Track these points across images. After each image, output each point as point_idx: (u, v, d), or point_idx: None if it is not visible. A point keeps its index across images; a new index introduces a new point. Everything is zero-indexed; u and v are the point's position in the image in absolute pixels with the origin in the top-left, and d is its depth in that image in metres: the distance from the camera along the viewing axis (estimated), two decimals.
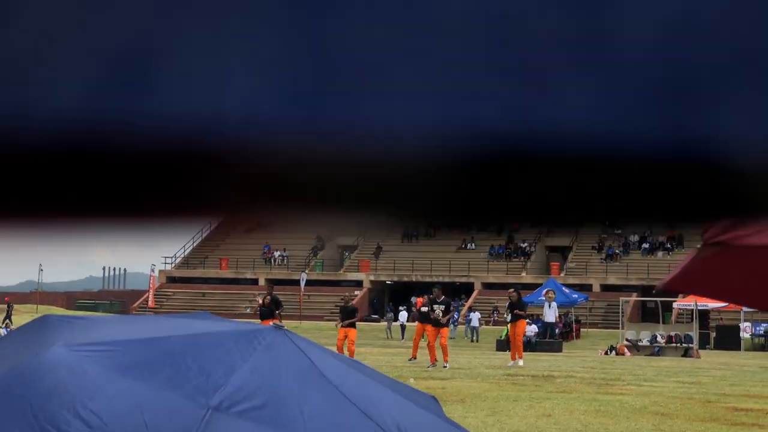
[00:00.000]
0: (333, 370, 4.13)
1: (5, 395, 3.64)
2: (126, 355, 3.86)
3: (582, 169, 0.65)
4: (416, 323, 26.06)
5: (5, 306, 52.27)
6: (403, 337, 51.21)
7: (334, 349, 24.69)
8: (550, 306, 40.06)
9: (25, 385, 3.66)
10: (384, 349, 36.71)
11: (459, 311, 56.46)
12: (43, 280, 67.67)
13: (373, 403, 4.06)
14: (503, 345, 37.85)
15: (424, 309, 24.84)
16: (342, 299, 27.39)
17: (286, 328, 4.19)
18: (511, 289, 31.59)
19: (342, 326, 25.22)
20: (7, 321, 48.97)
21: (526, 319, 27.26)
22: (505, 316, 52.44)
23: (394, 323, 54.52)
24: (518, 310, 26.19)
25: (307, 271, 64.01)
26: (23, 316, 59.09)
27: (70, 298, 75.40)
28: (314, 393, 3.91)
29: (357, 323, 26.05)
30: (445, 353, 23.77)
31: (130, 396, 3.69)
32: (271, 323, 4.23)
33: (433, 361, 23.94)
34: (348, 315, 25.38)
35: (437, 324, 23.96)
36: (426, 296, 26.59)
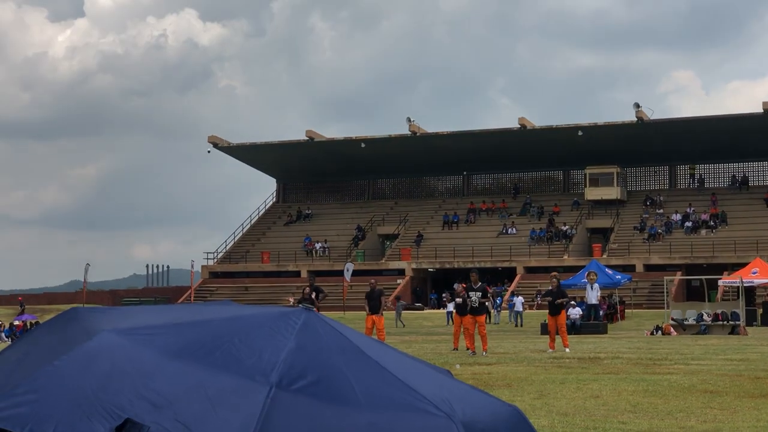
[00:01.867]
0: (369, 346, 4.19)
1: (62, 381, 3.68)
2: (173, 338, 3.90)
3: None
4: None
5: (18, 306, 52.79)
6: (448, 323, 51.28)
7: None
8: (592, 288, 39.87)
9: (81, 370, 3.70)
10: (427, 337, 36.74)
11: (502, 296, 56.36)
12: (89, 280, 68.24)
13: (414, 376, 4.10)
14: (547, 328, 37.78)
15: (459, 300, 24.75)
16: (369, 285, 27.27)
17: (313, 309, 4.22)
18: (554, 273, 31.39)
19: (369, 314, 25.27)
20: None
21: (566, 308, 26.91)
22: (539, 300, 52.60)
23: (439, 310, 54.46)
24: (559, 299, 25.84)
25: (351, 262, 64.10)
26: None
27: (115, 296, 76.09)
28: (359, 368, 3.95)
29: (403, 312, 26.05)
30: (484, 342, 23.68)
31: (189, 375, 3.73)
32: (300, 305, 4.26)
33: (473, 349, 23.93)
34: (373, 301, 25.48)
35: (474, 312, 23.89)
36: (467, 284, 26.52)
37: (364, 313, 26.73)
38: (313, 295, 26.90)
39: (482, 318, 24.25)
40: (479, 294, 24.05)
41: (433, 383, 4.10)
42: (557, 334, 25.47)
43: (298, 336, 3.93)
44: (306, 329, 3.98)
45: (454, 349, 25.26)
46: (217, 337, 3.92)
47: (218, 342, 3.88)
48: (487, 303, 24.28)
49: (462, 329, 24.67)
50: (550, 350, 24.52)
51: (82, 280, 67.55)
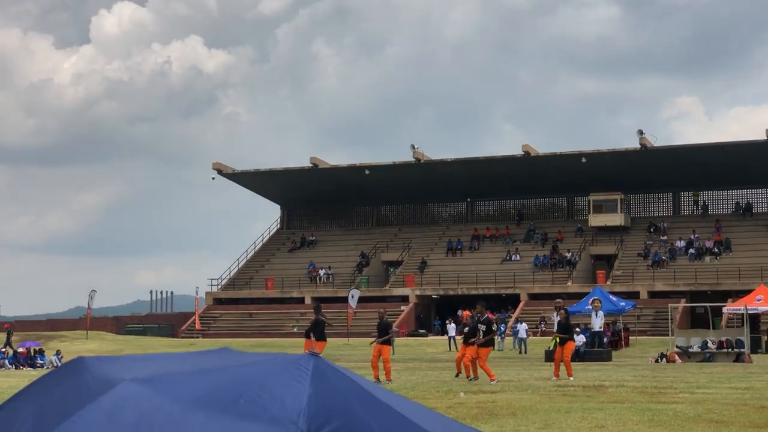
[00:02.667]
0: (378, 391, 4.22)
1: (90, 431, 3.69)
2: (194, 386, 3.91)
3: None
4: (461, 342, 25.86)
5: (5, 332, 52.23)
6: (450, 349, 51.19)
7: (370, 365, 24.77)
8: (596, 315, 39.81)
9: (107, 421, 3.70)
10: (431, 364, 36.68)
11: (506, 323, 56.27)
12: (92, 306, 68.16)
13: (424, 420, 4.14)
14: (552, 356, 37.70)
15: (467, 330, 24.73)
16: (378, 315, 27.20)
17: (321, 355, 4.24)
18: (558, 300, 31.29)
19: (377, 343, 25.17)
20: (7, 347, 48.81)
21: (572, 339, 26.82)
22: (543, 327, 52.55)
23: (442, 337, 54.20)
24: (566, 333, 25.76)
25: (356, 289, 64.06)
26: (74, 342, 59.71)
27: (119, 322, 75.95)
28: (375, 413, 3.98)
29: (402, 338, 25.96)
30: (488, 373, 23.60)
31: (218, 424, 3.73)
32: (306, 351, 4.30)
33: (476, 375, 23.98)
34: (382, 331, 25.32)
35: (480, 344, 23.91)
36: (471, 311, 26.48)
37: (369, 339, 26.65)
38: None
39: (483, 351, 24.15)
40: (483, 327, 24.04)
41: (441, 425, 4.14)
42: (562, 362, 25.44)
43: (313, 382, 3.95)
44: (318, 375, 4.01)
45: (458, 374, 25.26)
46: (237, 384, 3.93)
47: (240, 389, 3.89)
48: (483, 339, 24.20)
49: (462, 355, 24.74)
50: (554, 378, 24.48)
51: (86, 307, 67.48)
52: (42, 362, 45.54)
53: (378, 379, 24.22)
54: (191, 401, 3.81)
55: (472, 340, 24.23)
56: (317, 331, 25.71)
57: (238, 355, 4.49)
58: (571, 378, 24.33)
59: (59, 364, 45.02)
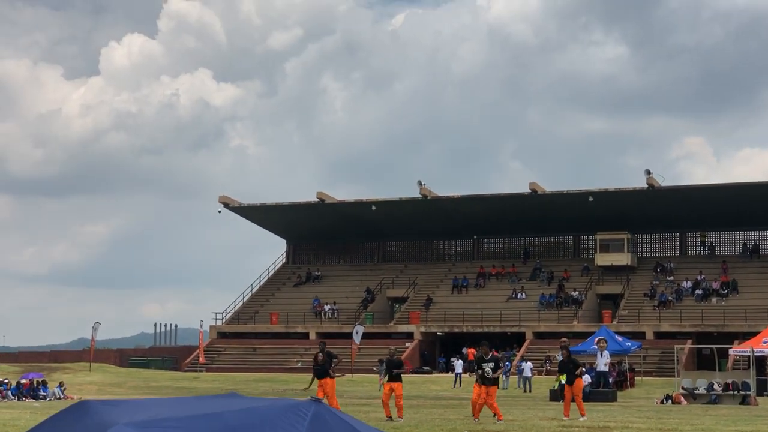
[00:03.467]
0: None
1: None
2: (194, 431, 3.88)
3: None
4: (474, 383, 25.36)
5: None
6: (455, 386, 50.96)
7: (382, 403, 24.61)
8: (602, 354, 39.64)
9: None
10: (436, 401, 36.48)
11: (511, 361, 56.03)
12: (96, 337, 68.05)
13: None
14: (557, 395, 37.49)
15: (480, 371, 24.48)
16: (388, 352, 26.98)
17: (323, 401, 4.21)
18: (563, 339, 31.13)
19: (388, 381, 24.93)
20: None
21: (581, 376, 26.61)
22: (548, 366, 52.41)
23: (447, 374, 53.90)
24: (570, 371, 25.72)
25: (360, 324, 63.93)
26: (77, 374, 59.57)
27: (123, 355, 75.79)
28: None
29: (407, 375, 25.70)
30: (496, 413, 23.31)
31: None
32: (309, 397, 4.27)
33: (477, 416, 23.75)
34: (393, 368, 24.99)
35: (487, 383, 23.60)
36: (477, 350, 26.25)
37: (373, 375, 26.56)
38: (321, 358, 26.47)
39: (493, 389, 23.87)
40: (491, 365, 23.75)
41: None
42: (572, 401, 25.30)
43: (310, 428, 3.92)
44: (318, 420, 3.98)
45: (476, 419, 24.71)
46: (240, 428, 3.90)
47: None
48: (494, 375, 23.89)
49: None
50: (565, 418, 24.30)
51: (90, 338, 67.37)
52: (45, 394, 45.37)
53: (390, 417, 24.04)
54: None
55: (493, 375, 23.74)
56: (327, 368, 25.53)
57: (241, 400, 4.45)
58: (583, 417, 24.11)
59: (62, 396, 44.88)
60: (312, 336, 69.03)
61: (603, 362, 39.66)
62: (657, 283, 69.42)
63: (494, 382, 23.98)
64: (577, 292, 68.75)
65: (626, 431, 20.35)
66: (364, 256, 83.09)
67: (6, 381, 47.27)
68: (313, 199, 78.11)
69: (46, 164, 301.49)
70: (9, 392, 45.22)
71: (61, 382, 47.95)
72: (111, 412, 4.13)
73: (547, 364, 56.44)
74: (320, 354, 25.94)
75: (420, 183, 73.99)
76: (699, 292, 67.01)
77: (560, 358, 28.57)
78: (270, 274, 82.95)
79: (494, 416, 23.33)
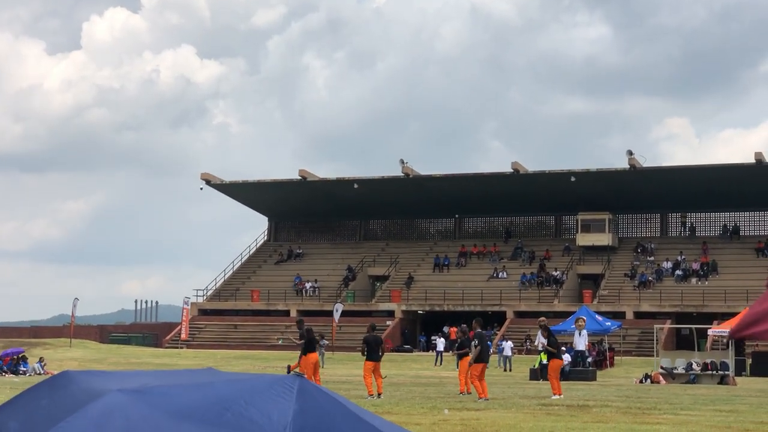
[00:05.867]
0: (359, 409, 4.25)
1: None
2: (182, 399, 3.89)
3: None
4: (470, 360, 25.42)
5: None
6: (436, 364, 51.11)
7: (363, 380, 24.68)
8: (580, 334, 39.80)
9: (95, 428, 3.67)
10: (416, 379, 36.59)
11: (491, 340, 56.21)
12: (76, 314, 67.86)
13: None
14: (536, 374, 37.67)
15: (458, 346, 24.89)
16: (369, 328, 26.99)
17: (304, 376, 4.23)
18: (542, 319, 31.20)
19: (374, 361, 24.96)
20: None
21: (558, 357, 26.64)
22: (528, 345, 52.71)
23: (428, 352, 54.04)
24: (549, 347, 25.94)
25: (340, 303, 63.99)
26: (58, 350, 59.43)
27: (103, 331, 75.69)
28: (357, 430, 3.97)
29: (387, 354, 25.87)
30: (479, 390, 23.66)
31: None
32: (292, 372, 4.32)
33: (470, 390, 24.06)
34: (373, 346, 25.13)
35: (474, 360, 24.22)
36: (460, 328, 26.42)
37: (353, 353, 26.67)
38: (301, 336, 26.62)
39: (477, 366, 24.18)
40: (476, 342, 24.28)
41: None
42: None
43: (298, 400, 3.94)
44: (303, 394, 4.00)
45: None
46: (224, 399, 3.92)
47: (226, 404, 3.88)
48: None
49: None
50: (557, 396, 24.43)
51: (70, 315, 67.21)
52: (25, 369, 45.24)
53: (373, 395, 24.12)
54: (178, 413, 3.80)
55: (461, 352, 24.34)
56: (311, 345, 25.73)
57: (223, 374, 4.46)
58: (555, 396, 24.25)
59: (42, 372, 44.79)
60: (293, 313, 69.04)
61: (582, 342, 39.82)
62: (637, 263, 69.70)
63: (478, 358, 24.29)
64: (558, 272, 68.97)
65: (605, 409, 20.46)
66: (345, 234, 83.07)
67: None
68: (295, 176, 77.96)
69: (26, 140, 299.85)
70: None
71: (41, 358, 47.83)
72: (96, 381, 4.12)
73: (528, 344, 56.64)
74: (298, 337, 26.54)
75: (402, 161, 73.95)
76: (679, 272, 67.33)
77: (540, 338, 28.74)
78: (251, 252, 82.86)
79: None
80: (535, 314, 59.06)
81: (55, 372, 43.95)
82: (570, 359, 39.81)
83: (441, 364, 50.86)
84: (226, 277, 78.73)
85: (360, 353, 26.12)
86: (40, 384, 4.44)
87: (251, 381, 4.15)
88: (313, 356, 25.52)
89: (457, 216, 79.61)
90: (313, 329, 28.20)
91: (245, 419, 3.83)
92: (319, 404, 4.02)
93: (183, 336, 68.28)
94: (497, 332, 60.55)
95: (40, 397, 4.23)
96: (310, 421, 3.88)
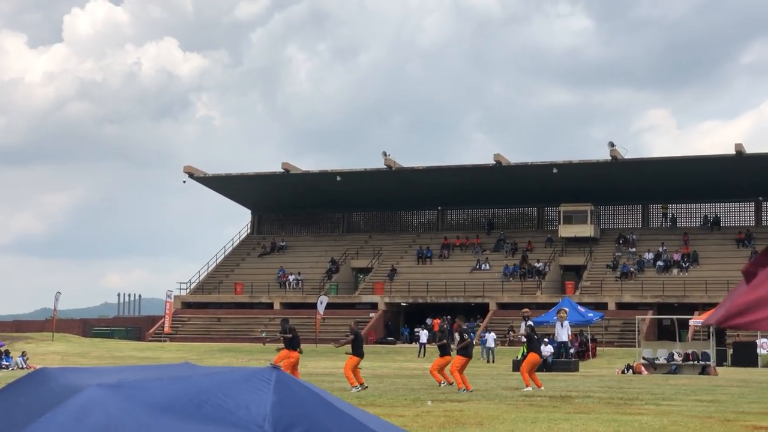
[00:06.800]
0: (336, 400, 4.32)
1: None
2: (160, 392, 3.94)
3: None
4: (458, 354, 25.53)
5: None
6: (419, 356, 51.20)
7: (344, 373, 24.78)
8: (562, 325, 40.01)
9: (75, 423, 3.72)
10: (399, 371, 36.69)
11: (474, 332, 56.36)
12: (59, 308, 67.65)
13: (383, 428, 4.24)
14: (520, 366, 37.82)
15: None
16: (353, 326, 27.39)
17: (281, 368, 4.31)
18: (525, 310, 31.35)
19: (358, 356, 25.17)
20: None
21: (536, 351, 26.81)
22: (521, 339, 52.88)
23: (411, 344, 54.09)
24: (529, 343, 26.50)
25: (325, 295, 64.01)
26: (40, 344, 59.26)
27: (86, 324, 75.50)
28: (337, 420, 4.04)
29: (370, 346, 26.17)
30: (459, 382, 23.89)
31: (185, 427, 3.78)
32: (268, 363, 4.38)
33: (450, 381, 24.30)
34: (357, 342, 25.48)
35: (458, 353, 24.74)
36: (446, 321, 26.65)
37: (335, 345, 26.81)
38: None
39: (459, 359, 24.57)
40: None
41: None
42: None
43: (276, 391, 4.01)
44: (280, 385, 4.06)
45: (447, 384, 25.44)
46: (202, 391, 3.98)
47: (204, 396, 3.94)
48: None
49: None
50: (539, 388, 24.57)
51: (53, 308, 67.02)
52: (7, 363, 45.15)
53: (360, 385, 24.31)
54: (157, 406, 3.85)
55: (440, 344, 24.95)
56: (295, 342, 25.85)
57: (200, 368, 4.53)
58: (527, 389, 24.34)
59: (25, 366, 44.68)
60: (276, 306, 69.06)
61: (564, 333, 40.04)
62: (619, 254, 69.98)
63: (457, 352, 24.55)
64: (540, 264, 69.17)
65: (587, 400, 20.60)
66: (328, 227, 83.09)
67: None
68: (278, 169, 77.89)
69: (8, 133, 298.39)
70: None
71: (23, 352, 47.74)
72: (75, 377, 4.17)
73: (510, 335, 56.82)
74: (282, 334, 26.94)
75: (385, 154, 73.99)
76: (660, 263, 67.65)
77: (523, 330, 28.97)
78: (235, 244, 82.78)
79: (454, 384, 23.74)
80: (518, 305, 59.23)
81: (38, 366, 43.90)
82: (552, 350, 40.03)
83: (424, 356, 50.95)
84: (210, 270, 78.63)
85: (343, 342, 26.39)
86: (16, 381, 4.48)
87: (229, 374, 4.22)
88: (295, 354, 25.57)
89: (439, 208, 79.72)
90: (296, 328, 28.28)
91: (224, 410, 3.90)
92: (298, 395, 4.09)
93: (166, 329, 68.18)
94: (480, 324, 60.71)
95: (17, 395, 4.27)
96: (288, 411, 3.95)
